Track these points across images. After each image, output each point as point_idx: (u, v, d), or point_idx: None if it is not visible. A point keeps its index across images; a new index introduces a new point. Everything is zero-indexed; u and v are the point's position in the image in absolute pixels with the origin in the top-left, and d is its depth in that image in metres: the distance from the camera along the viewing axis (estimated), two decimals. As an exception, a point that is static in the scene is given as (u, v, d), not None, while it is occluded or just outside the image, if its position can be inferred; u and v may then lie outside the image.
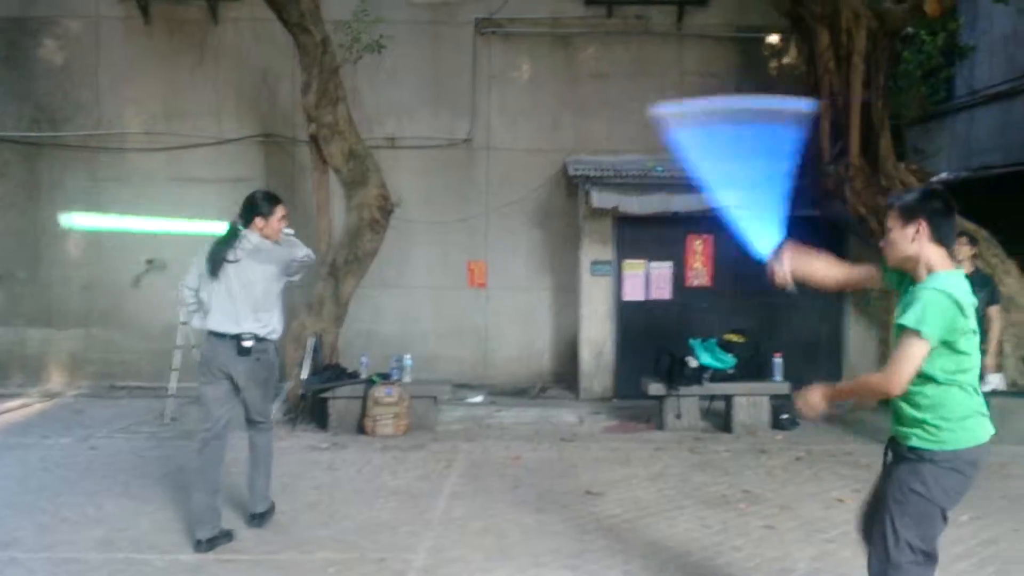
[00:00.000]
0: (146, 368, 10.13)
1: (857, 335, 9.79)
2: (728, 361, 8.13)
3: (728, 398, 8.12)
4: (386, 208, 8.72)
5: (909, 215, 3.00)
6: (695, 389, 8.05)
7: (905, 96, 11.51)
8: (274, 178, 10.37)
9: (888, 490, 3.05)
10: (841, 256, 9.89)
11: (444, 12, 10.43)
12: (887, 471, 3.14)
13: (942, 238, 2.98)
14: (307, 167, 9.28)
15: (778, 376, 8.17)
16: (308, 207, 9.25)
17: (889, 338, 9.61)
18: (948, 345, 2.87)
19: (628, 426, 8.34)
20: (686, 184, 9.48)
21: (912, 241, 2.98)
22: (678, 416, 8.09)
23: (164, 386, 8.54)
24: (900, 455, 3.06)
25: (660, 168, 9.71)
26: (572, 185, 10.12)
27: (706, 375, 8.05)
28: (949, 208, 3.00)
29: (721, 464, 6.82)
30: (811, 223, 9.38)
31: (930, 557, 3.03)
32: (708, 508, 5.60)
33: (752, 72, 10.37)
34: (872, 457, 6.99)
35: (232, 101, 10.47)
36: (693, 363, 8.05)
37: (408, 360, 8.25)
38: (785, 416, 8.16)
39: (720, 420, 8.26)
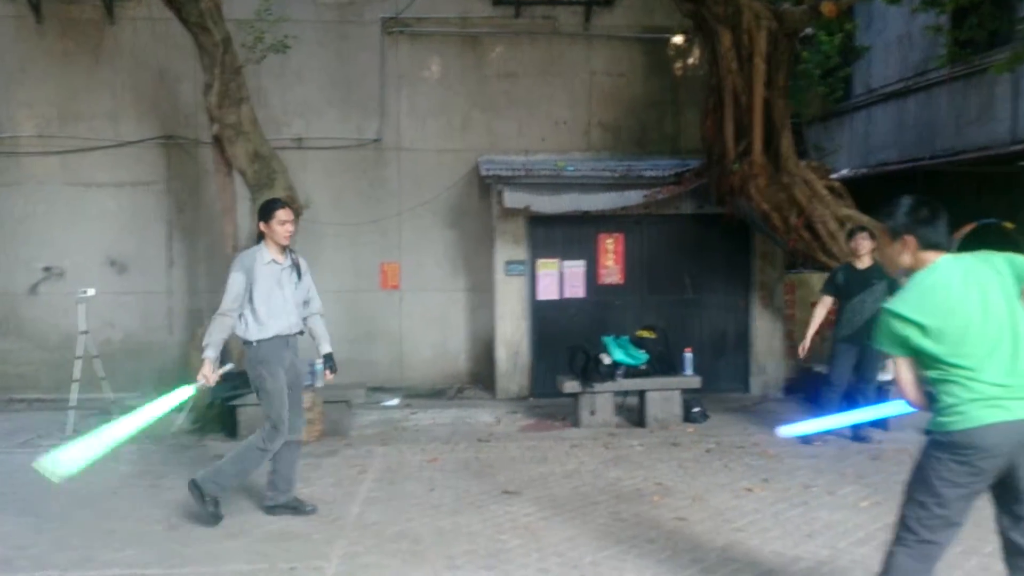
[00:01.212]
0: (44, 379, 9.71)
1: (763, 329, 10.06)
2: (640, 357, 8.25)
3: (641, 393, 8.24)
4: (295, 210, 8.53)
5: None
6: (609, 385, 8.15)
7: (805, 95, 11.93)
8: (177, 181, 10.08)
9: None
10: (746, 251, 10.17)
11: (350, 11, 10.29)
12: None
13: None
14: (211, 169, 9.04)
15: (689, 370, 8.33)
16: (213, 210, 9.00)
17: (793, 330, 9.95)
18: (919, 352, 3.09)
19: (544, 424, 8.38)
20: (596, 183, 9.71)
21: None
22: (593, 413, 8.16)
23: (64, 398, 8.18)
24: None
25: (571, 167, 9.81)
26: (484, 185, 10.12)
27: (619, 371, 8.16)
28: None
29: (635, 458, 6.91)
30: (717, 220, 9.72)
31: (924, 543, 3.13)
32: (622, 502, 5.67)
33: (658, 72, 10.57)
34: (779, 447, 7.22)
35: (131, 102, 10.10)
36: (607, 360, 8.14)
37: (319, 365, 8.05)
38: (696, 409, 8.33)
39: (634, 415, 8.38)
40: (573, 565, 4.51)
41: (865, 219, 8.67)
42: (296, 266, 5.37)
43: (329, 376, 5.67)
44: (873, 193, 11.15)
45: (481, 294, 10.37)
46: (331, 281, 10.16)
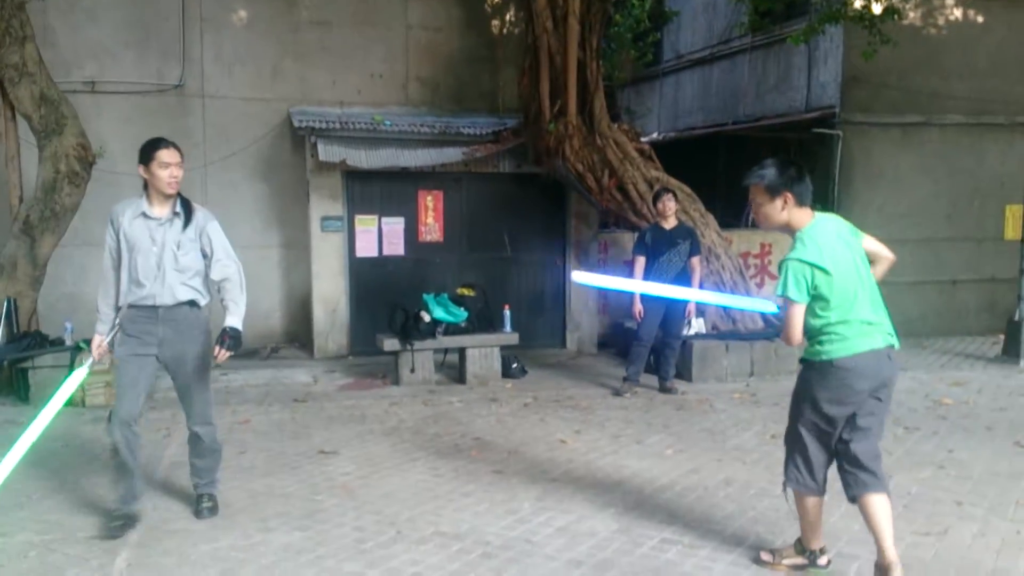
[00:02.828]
0: None
1: (577, 287, 10.33)
2: (460, 315, 8.28)
3: (461, 350, 8.30)
4: (86, 159, 7.89)
5: (775, 190, 3.57)
6: (429, 343, 8.14)
7: (617, 58, 12.27)
8: (-50, 125, 9.03)
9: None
10: (563, 211, 10.39)
11: (150, -54, 9.53)
12: None
13: (804, 201, 3.60)
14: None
15: (508, 327, 8.47)
16: (-8, 157, 8.15)
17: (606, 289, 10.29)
18: (817, 297, 3.51)
19: (364, 383, 8.27)
20: (415, 139, 9.59)
21: (782, 211, 3.59)
22: (413, 370, 8.14)
23: None
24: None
25: (388, 122, 9.63)
26: (298, 137, 9.74)
27: (440, 329, 8.16)
28: (803, 174, 3.60)
29: (454, 415, 6.96)
30: (534, 180, 9.86)
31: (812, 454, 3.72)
32: (441, 458, 5.69)
33: (477, 28, 10.51)
34: (592, 400, 7.51)
35: None
36: (427, 318, 8.12)
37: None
38: (515, 365, 8.50)
39: (454, 372, 8.44)
40: (390, 522, 4.48)
41: (673, 181, 9.09)
42: (187, 221, 4.37)
43: (220, 354, 4.35)
44: (680, 156, 11.73)
45: (296, 251, 10.03)
46: (131, 237, 9.52)
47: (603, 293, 10.34)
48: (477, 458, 5.69)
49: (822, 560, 3.84)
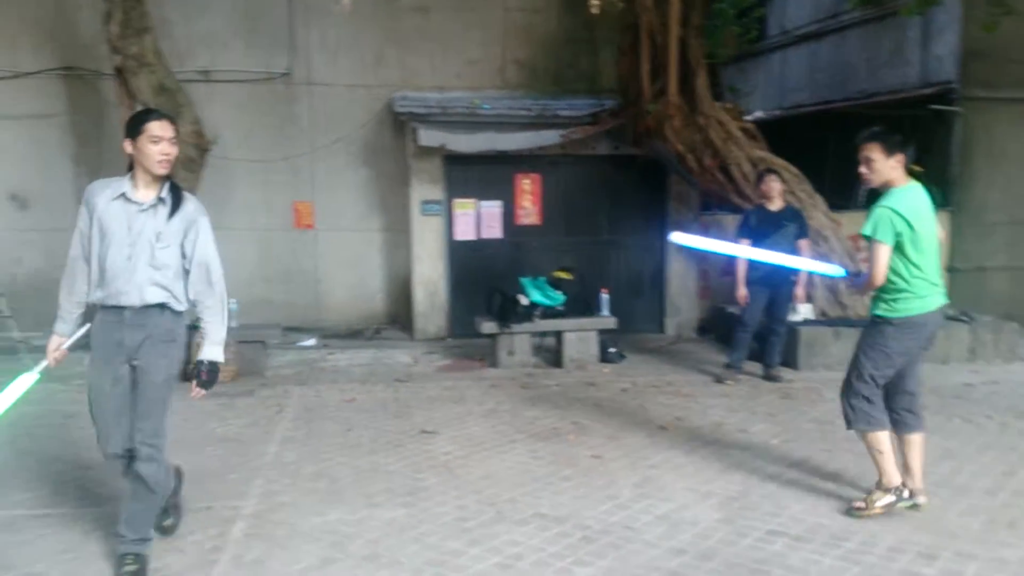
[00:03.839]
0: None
1: (677, 270, 10.22)
2: (557, 298, 8.29)
3: (558, 334, 8.31)
4: (201, 146, 8.23)
5: (893, 149, 4.15)
6: (526, 326, 8.18)
7: (720, 35, 11.96)
8: (80, 114, 9.57)
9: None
10: (662, 193, 10.25)
11: (258, -62, 9.81)
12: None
13: (908, 167, 4.26)
14: (114, 102, 8.57)
15: (605, 311, 8.42)
16: (117, 144, 8.53)
17: (708, 271, 10.13)
18: (899, 252, 4.09)
19: (462, 364, 8.38)
20: (512, 123, 9.61)
21: (893, 169, 4.18)
22: (510, 353, 8.20)
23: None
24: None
25: (486, 106, 9.67)
26: (399, 123, 9.90)
27: (537, 312, 8.19)
28: (908, 143, 4.31)
29: (552, 398, 6.98)
30: (633, 161, 9.75)
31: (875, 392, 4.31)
32: (539, 441, 5.73)
33: (575, 9, 10.37)
34: (692, 386, 7.40)
35: (26, 32, 9.46)
36: (524, 301, 8.15)
37: (234, 304, 7.83)
38: (612, 350, 8.45)
39: (551, 356, 8.46)
40: (490, 502, 4.55)
41: (779, 161, 8.83)
42: (174, 209, 3.61)
43: (195, 391, 3.71)
44: (786, 135, 11.37)
45: (398, 234, 10.22)
46: (244, 219, 9.91)
47: (704, 276, 10.18)
48: (575, 442, 5.70)
49: (906, 493, 4.31)
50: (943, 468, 5.12)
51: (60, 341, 3.65)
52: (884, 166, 4.15)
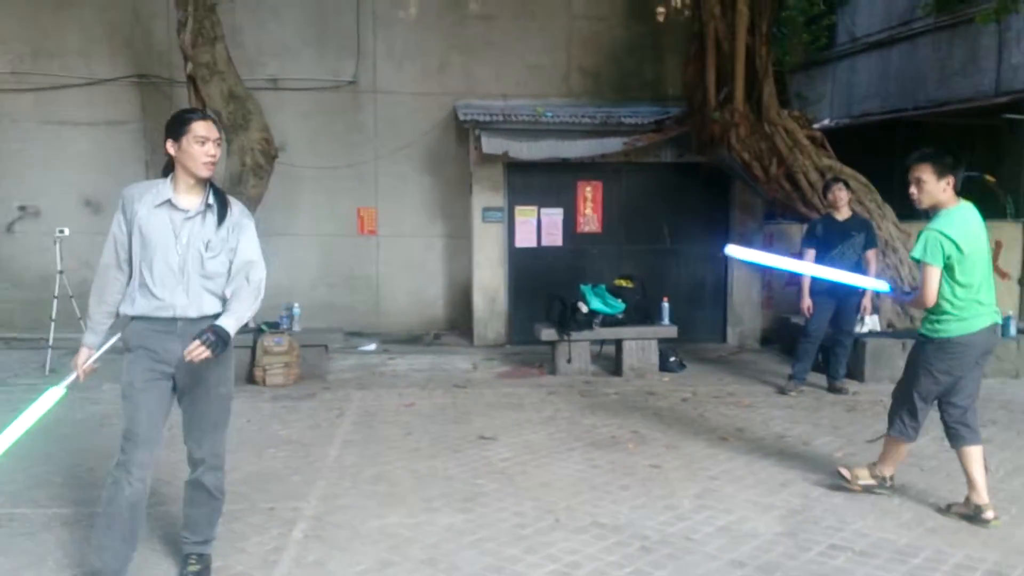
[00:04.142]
0: (21, 319, 9.66)
1: (740, 279, 10.07)
2: (617, 306, 8.25)
3: (618, 342, 8.26)
4: (270, 152, 8.41)
5: (944, 171, 4.20)
6: (586, 334, 8.15)
7: (788, 43, 11.81)
8: (151, 120, 9.83)
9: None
10: (726, 201, 10.17)
11: (327, -52, 10.01)
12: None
13: (957, 187, 4.26)
14: (186, 110, 8.82)
15: (666, 320, 8.35)
16: (187, 151, 8.81)
17: (772, 281, 9.98)
18: (948, 273, 4.16)
19: (521, 371, 8.39)
20: (575, 130, 9.60)
21: (943, 192, 4.23)
22: (569, 361, 8.18)
23: (42, 337, 8.14)
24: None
25: (549, 114, 9.69)
26: (462, 130, 9.98)
27: (596, 320, 8.16)
28: (961, 163, 4.29)
29: (610, 406, 6.95)
30: (696, 170, 9.66)
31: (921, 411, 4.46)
32: (597, 449, 5.70)
33: (640, 17, 10.39)
34: (754, 397, 7.28)
35: (103, 40, 9.84)
36: (584, 309, 8.13)
37: (297, 309, 8.05)
38: (673, 359, 8.37)
39: (610, 364, 8.41)
40: (548, 510, 4.53)
41: (847, 170, 8.66)
42: (221, 216, 3.43)
43: (196, 349, 3.19)
44: (855, 144, 11.14)
45: (459, 240, 10.29)
46: (308, 225, 10.11)
47: (768, 286, 10.02)
48: (634, 451, 5.66)
49: (888, 484, 4.66)
50: (1014, 483, 4.98)
51: (88, 353, 3.44)
52: (935, 188, 4.21)
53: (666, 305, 8.40)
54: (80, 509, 4.45)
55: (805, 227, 8.03)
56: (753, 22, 8.74)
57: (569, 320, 8.10)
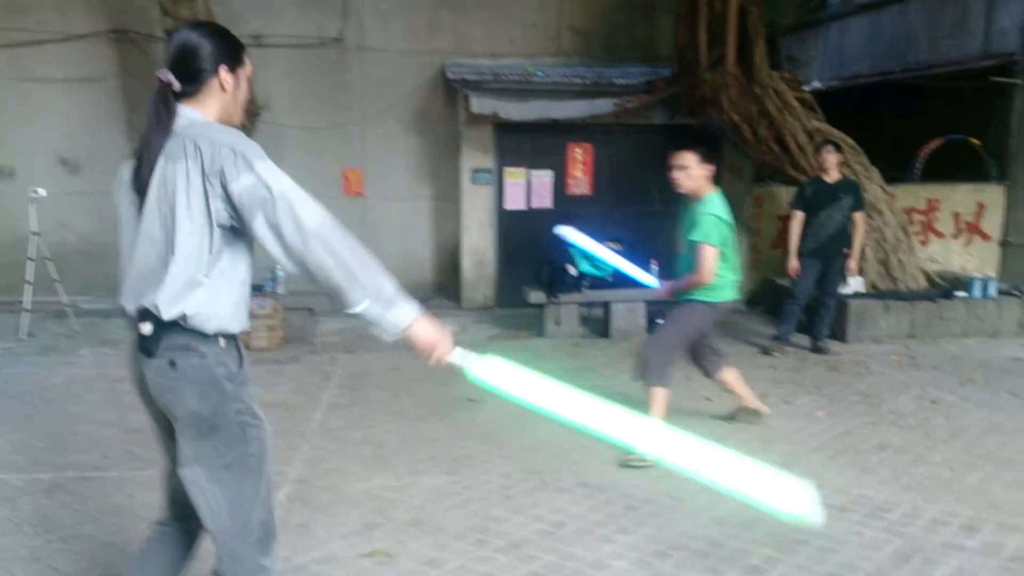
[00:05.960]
0: (-5, 282, 9.50)
1: (729, 241, 10.03)
2: (606, 269, 8.23)
3: (606, 305, 8.26)
4: (252, 111, 8.31)
5: (706, 160, 4.79)
6: (574, 297, 8.15)
7: (780, 4, 11.65)
8: (129, 77, 9.65)
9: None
10: (716, 162, 10.11)
11: (310, -99, 9.78)
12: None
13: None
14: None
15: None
16: (169, 111, 8.67)
17: (758, 243, 9.97)
18: (724, 244, 4.73)
19: (509, 334, 8.40)
20: (566, 91, 9.50)
21: (705, 178, 4.81)
22: (558, 323, 8.19)
23: (18, 300, 8.02)
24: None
25: (540, 73, 9.57)
26: (451, 90, 9.85)
27: (585, 283, 8.15)
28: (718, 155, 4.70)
29: (599, 368, 6.97)
30: (687, 131, 9.58)
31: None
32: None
33: (631, -24, 10.23)
34: (739, 357, 7.28)
35: (79, -7, 9.61)
36: (572, 271, 8.12)
37: (281, 272, 8.00)
38: (661, 320, 8.34)
39: (599, 326, 8.42)
40: (535, 470, 4.56)
41: (836, 133, 8.63)
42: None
43: None
44: (844, 106, 11.08)
45: (447, 203, 10.21)
46: (293, 187, 9.95)
47: (755, 247, 10.01)
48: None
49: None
50: (989, 441, 5.06)
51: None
52: (699, 174, 4.75)
53: (655, 267, 8.38)
54: (60, 474, 4.44)
55: (794, 190, 8.02)
56: (745, -19, 8.63)
57: (558, 283, 8.08)
